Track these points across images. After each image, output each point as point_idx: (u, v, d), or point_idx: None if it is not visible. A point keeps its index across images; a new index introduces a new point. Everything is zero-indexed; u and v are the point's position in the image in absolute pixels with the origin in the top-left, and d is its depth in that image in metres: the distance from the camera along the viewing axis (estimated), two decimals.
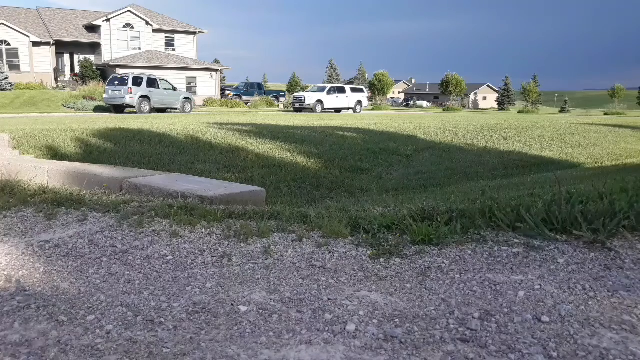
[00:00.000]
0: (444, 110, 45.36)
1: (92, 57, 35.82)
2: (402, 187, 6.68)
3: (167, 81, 24.98)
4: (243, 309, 1.53)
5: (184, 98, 24.75)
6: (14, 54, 33.20)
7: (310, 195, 5.78)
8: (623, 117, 28.20)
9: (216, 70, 37.56)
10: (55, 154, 6.64)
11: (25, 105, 25.66)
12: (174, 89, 24.92)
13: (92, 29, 35.94)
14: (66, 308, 1.51)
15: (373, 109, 38.13)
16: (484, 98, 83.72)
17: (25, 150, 6.45)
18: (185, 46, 38.54)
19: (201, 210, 2.45)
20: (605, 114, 36.73)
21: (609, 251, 1.86)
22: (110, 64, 32.98)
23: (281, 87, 60.42)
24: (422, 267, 1.84)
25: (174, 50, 37.77)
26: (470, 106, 74.68)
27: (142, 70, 28.65)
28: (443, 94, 68.42)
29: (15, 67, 32.92)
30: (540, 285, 1.61)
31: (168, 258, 1.97)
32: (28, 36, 33.10)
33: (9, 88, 29.50)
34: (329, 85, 31.19)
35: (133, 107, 22.51)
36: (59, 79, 35.18)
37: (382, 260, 1.91)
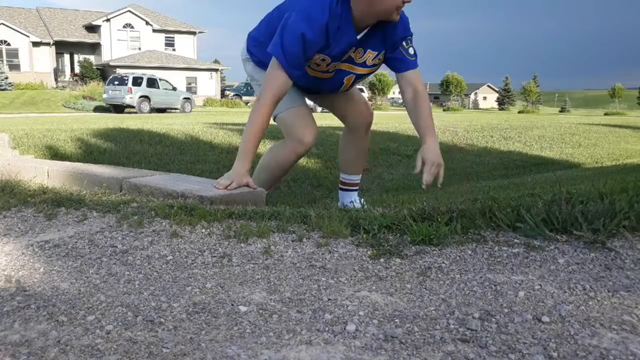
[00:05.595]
0: (444, 110, 45.40)
1: (92, 57, 35.84)
2: (402, 187, 6.67)
3: (167, 81, 25.02)
4: (243, 309, 1.53)
5: (184, 98, 24.78)
6: (14, 53, 33.22)
7: (310, 195, 5.78)
8: (623, 117, 28.16)
9: (216, 70, 37.55)
10: (55, 153, 6.64)
11: (25, 105, 25.67)
12: (174, 88, 24.95)
13: (92, 29, 35.95)
14: (66, 308, 1.51)
15: (373, 109, 38.13)
16: (484, 98, 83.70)
17: (25, 150, 6.45)
18: (185, 46, 38.54)
19: (201, 210, 2.45)
20: (606, 114, 36.71)
21: (609, 251, 1.85)
22: (110, 64, 32.99)
23: None
24: (422, 267, 1.84)
25: (174, 50, 37.77)
26: (470, 106, 74.63)
27: (142, 70, 28.67)
28: (443, 93, 68.43)
29: (15, 67, 32.95)
30: (540, 285, 1.61)
31: (168, 258, 1.97)
32: (28, 36, 33.10)
33: (9, 88, 29.51)
34: None
35: (133, 107, 22.54)
36: (58, 79, 35.21)
37: (382, 260, 1.91)
